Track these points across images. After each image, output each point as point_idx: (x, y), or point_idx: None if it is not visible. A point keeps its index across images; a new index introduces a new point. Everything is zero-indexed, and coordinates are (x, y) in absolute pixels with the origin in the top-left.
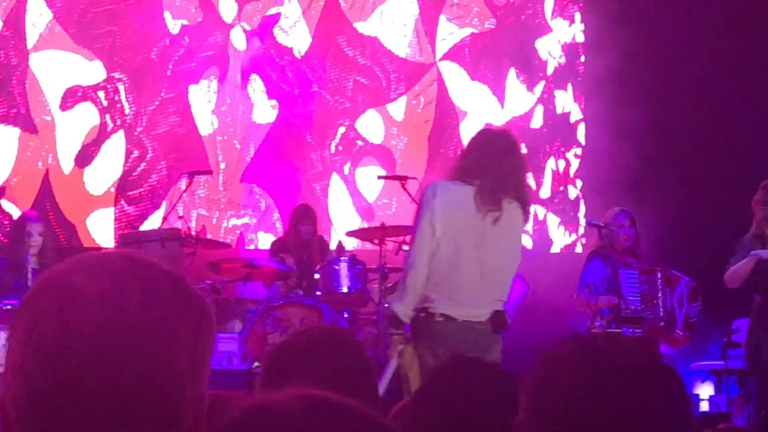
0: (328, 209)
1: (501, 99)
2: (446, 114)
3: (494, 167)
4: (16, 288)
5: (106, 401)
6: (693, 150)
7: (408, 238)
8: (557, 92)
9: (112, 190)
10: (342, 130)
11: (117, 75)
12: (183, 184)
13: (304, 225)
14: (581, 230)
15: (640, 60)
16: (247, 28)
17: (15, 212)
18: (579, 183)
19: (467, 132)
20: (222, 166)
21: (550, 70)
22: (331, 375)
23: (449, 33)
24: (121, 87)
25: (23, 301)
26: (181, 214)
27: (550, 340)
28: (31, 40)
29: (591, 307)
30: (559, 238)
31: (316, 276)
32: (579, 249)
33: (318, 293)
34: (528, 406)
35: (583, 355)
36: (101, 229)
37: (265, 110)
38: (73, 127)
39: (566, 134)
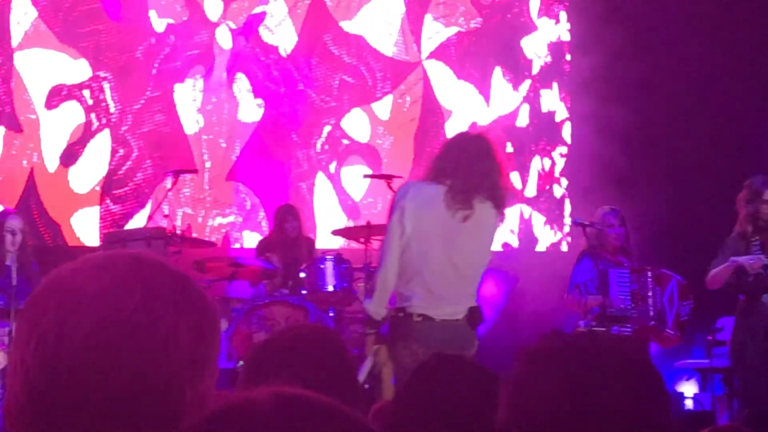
0: (314, 208)
1: (487, 98)
2: (432, 113)
3: (466, 168)
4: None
5: (104, 399)
6: (679, 149)
7: None
8: (543, 91)
9: (97, 188)
10: (328, 128)
11: (102, 74)
12: (168, 182)
13: (288, 222)
14: (566, 229)
15: (625, 59)
16: (233, 26)
17: None
18: (564, 182)
19: (453, 131)
20: (207, 164)
21: (535, 69)
22: (313, 373)
23: (435, 32)
24: (106, 86)
25: (29, 300)
26: (166, 213)
27: (534, 338)
28: (15, 38)
29: (581, 306)
30: (545, 236)
31: (302, 275)
32: (564, 248)
33: (303, 292)
34: (507, 404)
35: (563, 353)
36: (86, 228)
37: (250, 109)
38: (58, 126)
39: (552, 133)
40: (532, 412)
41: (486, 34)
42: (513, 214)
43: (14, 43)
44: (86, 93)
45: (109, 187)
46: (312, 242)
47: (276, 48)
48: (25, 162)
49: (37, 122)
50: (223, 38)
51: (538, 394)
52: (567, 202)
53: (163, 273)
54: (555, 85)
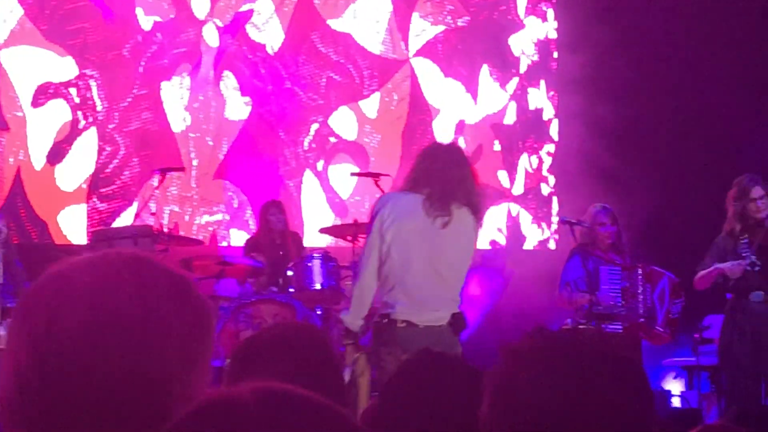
0: (302, 206)
1: (474, 96)
2: (420, 110)
3: (440, 177)
4: None
5: (93, 393)
6: (666, 146)
7: None
8: (530, 89)
9: (84, 186)
10: (315, 126)
11: (89, 72)
12: (155, 180)
13: (273, 215)
14: (554, 227)
15: (613, 56)
16: (220, 24)
17: None
18: (552, 179)
19: (441, 129)
20: (195, 162)
21: (523, 67)
22: (298, 370)
23: (422, 29)
24: (93, 84)
25: (25, 293)
26: (153, 210)
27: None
28: (1, 36)
29: (571, 304)
30: (532, 234)
31: (289, 273)
32: (552, 245)
33: (291, 290)
34: (490, 400)
35: (546, 350)
36: (73, 226)
37: (237, 107)
38: (44, 124)
39: (539, 131)
40: (515, 409)
41: (473, 32)
42: (501, 212)
43: (0, 40)
44: (73, 91)
45: (96, 185)
46: (299, 237)
47: (263, 46)
48: (11, 160)
49: (24, 120)
50: (210, 36)
51: (521, 391)
52: (555, 200)
53: (158, 272)
54: (542, 82)
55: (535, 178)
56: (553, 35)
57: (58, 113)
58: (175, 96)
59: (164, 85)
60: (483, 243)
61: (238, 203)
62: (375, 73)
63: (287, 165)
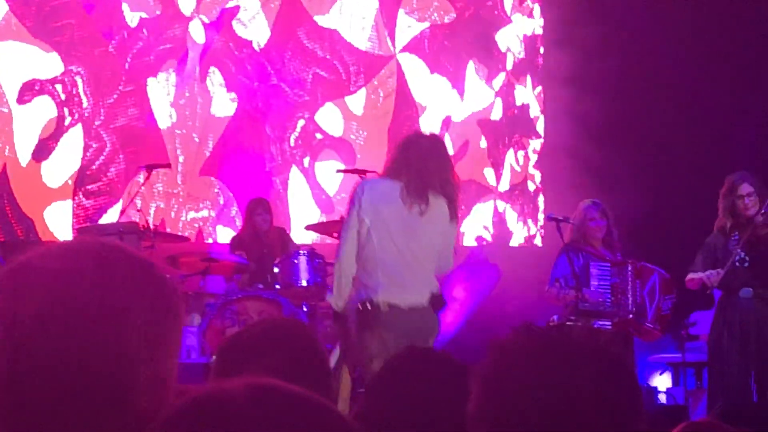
0: (288, 203)
1: (461, 92)
2: (406, 107)
3: (418, 166)
4: None
5: (58, 374)
6: (654, 142)
7: None
8: (517, 85)
9: (70, 182)
10: (302, 123)
11: (75, 68)
12: (141, 177)
13: (259, 215)
14: (540, 223)
15: (599, 52)
16: (206, 20)
17: None
18: (538, 176)
19: (427, 125)
20: (181, 159)
21: (509, 63)
22: (284, 365)
23: (407, 26)
24: (79, 80)
25: None
26: (139, 207)
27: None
28: None
29: (560, 300)
30: (519, 231)
31: (275, 270)
32: (539, 242)
33: (277, 287)
34: (477, 396)
35: (533, 346)
36: (59, 223)
37: (224, 103)
38: (30, 120)
39: (526, 127)
40: (502, 405)
41: (460, 28)
42: (487, 208)
43: None
44: (59, 87)
45: (81, 181)
46: (285, 232)
47: (249, 42)
48: None
49: (10, 116)
50: (197, 32)
51: (508, 387)
52: (541, 196)
53: (121, 256)
54: (529, 79)
55: (521, 174)
56: (540, 31)
57: (43, 110)
58: (161, 92)
59: (150, 81)
60: (469, 240)
61: (224, 200)
62: (361, 70)
63: (273, 161)
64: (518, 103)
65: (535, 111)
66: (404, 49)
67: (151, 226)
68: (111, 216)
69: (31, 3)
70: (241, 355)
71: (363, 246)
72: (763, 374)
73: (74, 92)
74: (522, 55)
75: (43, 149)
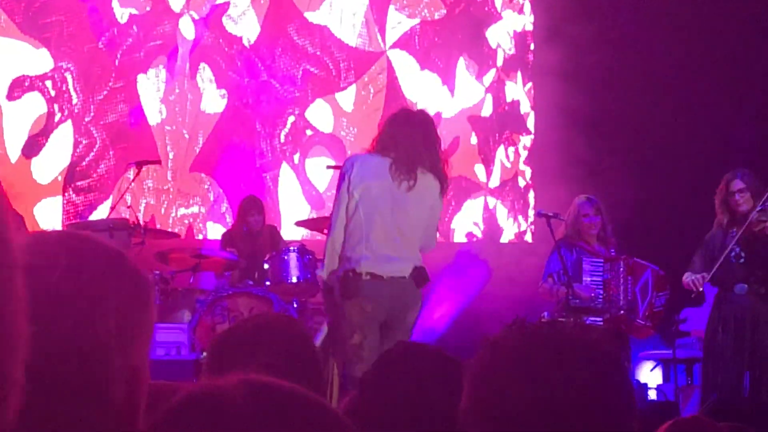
0: (278, 199)
1: (451, 88)
2: (396, 103)
3: (406, 142)
4: None
5: (31, 366)
6: (645, 137)
7: None
8: (507, 81)
9: (60, 179)
10: (292, 119)
11: (65, 64)
12: (131, 173)
13: (252, 215)
14: (531, 219)
15: (590, 48)
16: (196, 17)
17: None
18: (528, 172)
19: None
20: (171, 155)
21: (500, 59)
22: (276, 361)
23: (398, 22)
24: (68, 76)
25: None
26: (129, 203)
27: (497, 327)
28: None
29: (552, 296)
30: (509, 227)
31: (266, 266)
32: (529, 238)
33: (267, 283)
34: (469, 392)
35: (524, 342)
36: (49, 219)
37: (214, 99)
38: (20, 117)
39: (516, 123)
40: (494, 401)
41: (450, 24)
42: (477, 205)
43: None
44: (48, 84)
45: (71, 178)
46: (276, 230)
47: (239, 38)
48: None
49: (0, 113)
50: (186, 29)
51: (499, 383)
52: (531, 192)
53: (92, 246)
54: (519, 74)
55: (511, 170)
56: (530, 27)
57: (33, 106)
58: (151, 89)
59: (140, 77)
60: (460, 236)
61: (214, 196)
62: (351, 66)
63: (264, 158)
64: (508, 99)
65: (525, 107)
66: (394, 46)
67: (141, 223)
68: (101, 212)
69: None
70: (234, 351)
71: (350, 218)
72: (757, 370)
73: (64, 88)
74: (512, 52)
75: (33, 145)
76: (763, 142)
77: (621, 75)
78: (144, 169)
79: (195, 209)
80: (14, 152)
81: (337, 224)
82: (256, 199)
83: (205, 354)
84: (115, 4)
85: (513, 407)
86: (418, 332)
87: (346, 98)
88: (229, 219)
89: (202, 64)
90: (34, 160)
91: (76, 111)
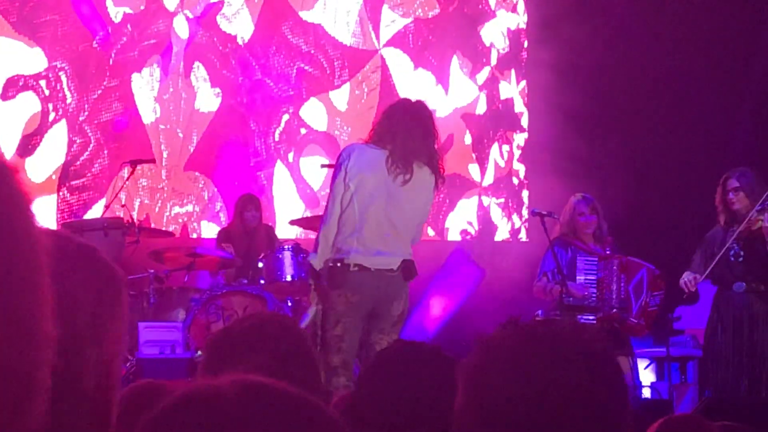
0: (273, 197)
1: (445, 86)
2: (390, 101)
3: (403, 135)
4: None
5: (2, 360)
6: (639, 135)
7: None
8: (501, 79)
9: (54, 177)
10: (286, 117)
11: (59, 64)
12: (126, 172)
13: (249, 211)
14: (525, 217)
15: (584, 46)
16: (190, 15)
17: None
18: (522, 170)
19: None
20: (165, 154)
21: (493, 58)
22: (272, 361)
23: (392, 21)
24: (63, 76)
25: None
26: (123, 202)
27: (492, 326)
28: None
29: (548, 294)
30: (503, 225)
31: (260, 265)
32: (523, 236)
33: (262, 282)
34: (463, 392)
35: (518, 340)
36: (43, 219)
37: (208, 98)
38: (14, 116)
39: (510, 121)
40: (488, 400)
41: (444, 23)
42: (471, 203)
43: None
44: (43, 83)
45: (66, 177)
46: (271, 229)
47: (234, 37)
48: None
49: None
50: (181, 28)
51: (493, 382)
52: (525, 190)
53: (65, 242)
54: (513, 73)
55: (505, 169)
56: (524, 26)
57: (27, 105)
58: (145, 88)
59: (135, 76)
60: (454, 234)
61: (208, 195)
62: (345, 64)
63: (258, 156)
64: (502, 97)
65: (519, 106)
66: (388, 44)
67: (136, 222)
68: (95, 211)
69: None
70: (230, 350)
71: (344, 209)
72: (755, 368)
73: (58, 88)
74: (506, 50)
75: (28, 145)
76: (760, 141)
77: (615, 73)
78: (138, 168)
79: (189, 208)
80: (8, 151)
81: (333, 215)
82: (252, 196)
83: (200, 353)
84: (109, 3)
85: (507, 406)
86: (413, 331)
87: (341, 97)
88: (223, 218)
89: (197, 63)
90: (29, 160)
91: (70, 110)
